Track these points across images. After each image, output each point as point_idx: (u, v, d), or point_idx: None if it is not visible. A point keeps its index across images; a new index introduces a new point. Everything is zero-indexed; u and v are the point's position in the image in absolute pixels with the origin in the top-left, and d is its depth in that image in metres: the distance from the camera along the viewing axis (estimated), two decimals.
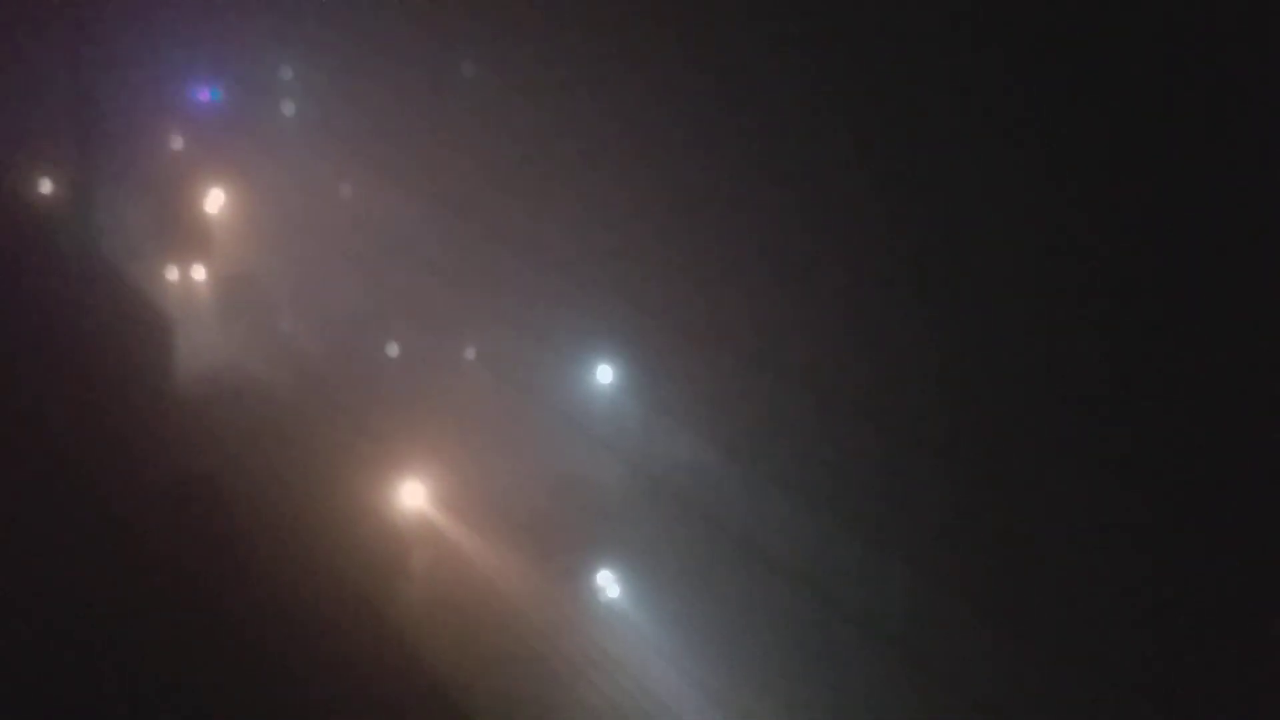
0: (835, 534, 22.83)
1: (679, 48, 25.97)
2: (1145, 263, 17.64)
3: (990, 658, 19.31)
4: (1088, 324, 18.56)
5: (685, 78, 25.99)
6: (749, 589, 23.85)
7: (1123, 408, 18.07)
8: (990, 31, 19.71)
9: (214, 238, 35.58)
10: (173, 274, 34.53)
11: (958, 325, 21.05)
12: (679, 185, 27.19)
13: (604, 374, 28.29)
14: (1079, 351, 18.94)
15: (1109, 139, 17.92)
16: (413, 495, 25.57)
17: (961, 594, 20.03)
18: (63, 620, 13.51)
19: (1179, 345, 17.08)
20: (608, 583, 24.09)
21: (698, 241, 26.66)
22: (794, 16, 23.22)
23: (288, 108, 36.30)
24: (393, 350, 33.66)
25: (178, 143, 34.56)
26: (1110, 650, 17.89)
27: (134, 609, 14.86)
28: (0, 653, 12.76)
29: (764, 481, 24.62)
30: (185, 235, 34.55)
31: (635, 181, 28.10)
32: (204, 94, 30.82)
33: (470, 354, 32.15)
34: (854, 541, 22.31)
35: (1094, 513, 18.50)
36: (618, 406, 28.49)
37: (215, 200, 35.90)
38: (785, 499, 23.88)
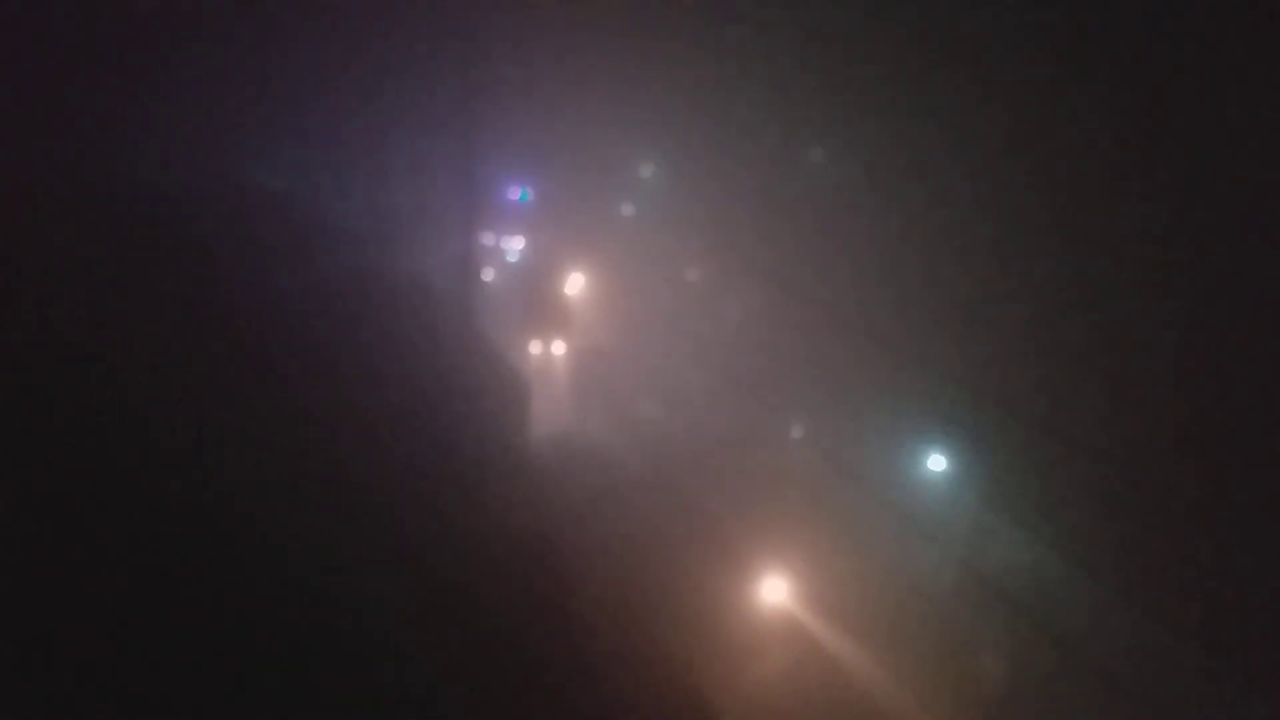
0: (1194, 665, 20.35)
1: (1004, 148, 25.26)
2: None
3: None
4: None
5: (1016, 172, 25.17)
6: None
7: None
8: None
9: (573, 316, 38.61)
10: (536, 347, 37.90)
11: None
12: (1023, 275, 26.16)
13: (936, 463, 27.36)
14: None
15: None
16: (773, 590, 25.36)
17: None
18: (384, 659, 13.89)
19: None
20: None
21: (1039, 333, 25.45)
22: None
23: (642, 201, 38.97)
24: (730, 430, 34.53)
25: (543, 231, 38.26)
26: None
27: (453, 656, 15.00)
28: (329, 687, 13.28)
29: (1107, 593, 22.60)
30: (548, 313, 37.82)
31: (976, 271, 27.35)
32: (516, 194, 34.28)
33: (798, 434, 32.28)
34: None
35: None
36: (951, 499, 27.40)
37: (575, 283, 39.19)
38: (1129, 613, 21.71)
